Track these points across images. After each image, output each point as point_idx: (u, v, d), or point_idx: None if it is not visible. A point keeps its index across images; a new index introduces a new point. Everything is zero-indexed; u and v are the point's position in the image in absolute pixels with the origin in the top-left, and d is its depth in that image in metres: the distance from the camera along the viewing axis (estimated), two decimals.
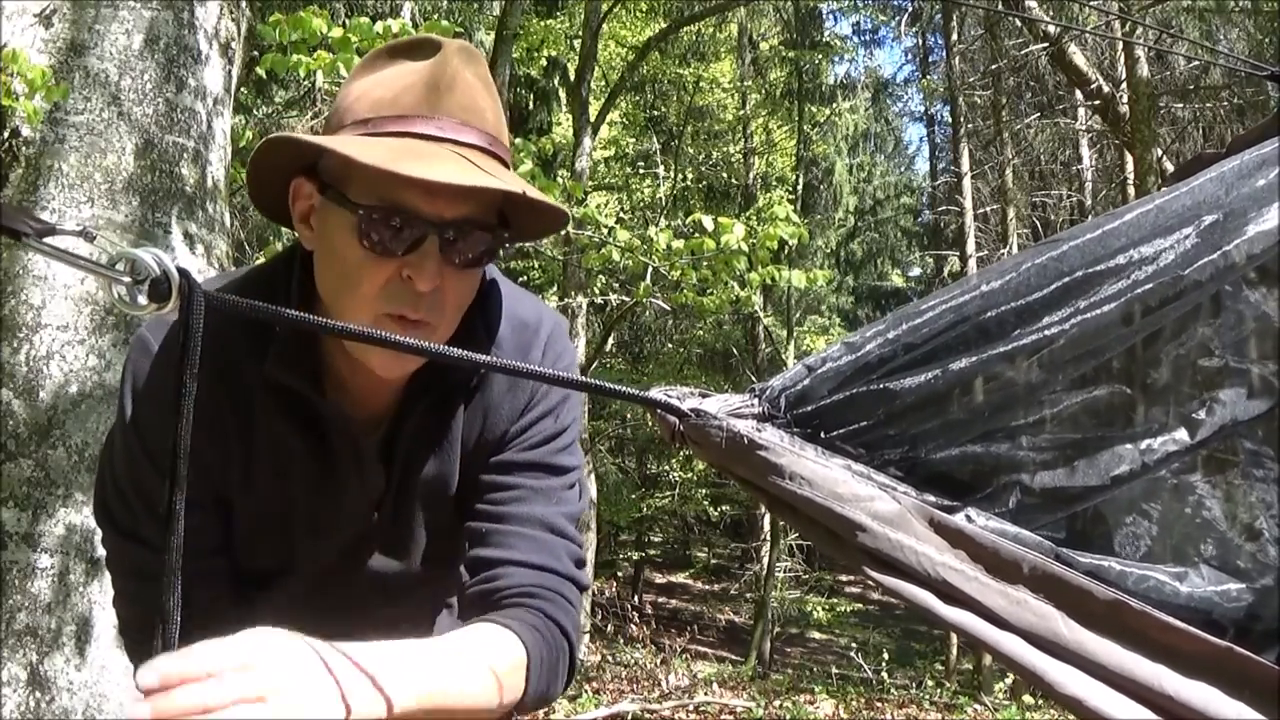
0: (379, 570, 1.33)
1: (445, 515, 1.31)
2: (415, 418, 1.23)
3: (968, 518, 0.89)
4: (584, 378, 0.97)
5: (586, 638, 10.56)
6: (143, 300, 0.79)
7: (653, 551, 20.51)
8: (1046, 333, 0.88)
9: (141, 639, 1.26)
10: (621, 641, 11.41)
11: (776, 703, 7.92)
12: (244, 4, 3.35)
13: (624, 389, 0.90)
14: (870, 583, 0.89)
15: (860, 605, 17.17)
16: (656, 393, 0.88)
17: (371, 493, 1.26)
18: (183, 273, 0.78)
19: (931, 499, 0.89)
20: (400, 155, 1.03)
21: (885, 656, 11.22)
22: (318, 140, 1.08)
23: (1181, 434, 0.92)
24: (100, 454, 1.28)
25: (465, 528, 1.27)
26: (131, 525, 1.21)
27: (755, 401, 0.89)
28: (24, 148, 2.72)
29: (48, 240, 0.78)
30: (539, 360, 1.26)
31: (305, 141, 1.09)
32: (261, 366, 1.16)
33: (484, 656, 1.08)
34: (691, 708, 7.59)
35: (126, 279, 0.78)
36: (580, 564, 1.26)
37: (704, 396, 0.88)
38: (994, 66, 13.43)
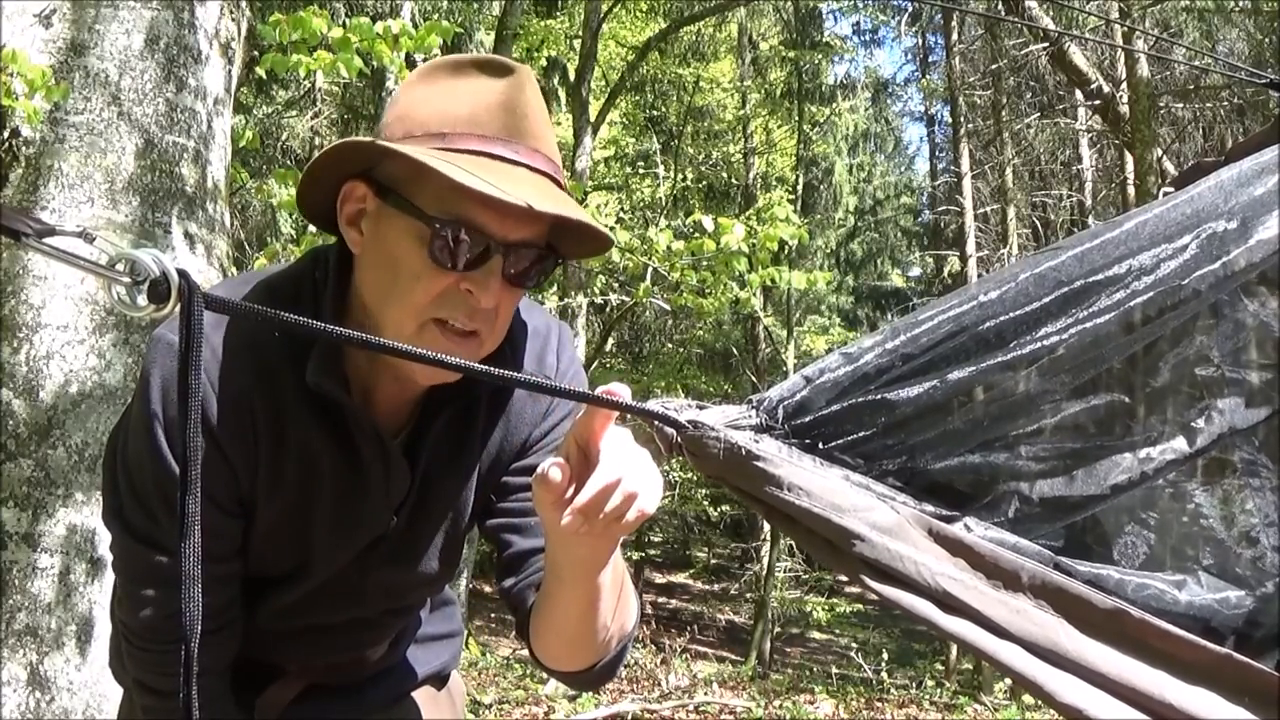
0: (388, 573, 1.34)
1: (458, 521, 1.34)
2: (438, 424, 1.25)
3: (966, 527, 0.89)
4: (582, 390, 0.97)
5: None
6: (142, 301, 0.78)
7: (653, 551, 20.48)
8: (1045, 342, 0.88)
9: (145, 645, 1.27)
10: None
11: (776, 703, 7.91)
12: (244, 4, 3.35)
13: (622, 400, 0.90)
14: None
15: (860, 605, 17.15)
16: (654, 405, 0.88)
17: (394, 496, 1.27)
18: (182, 274, 0.78)
19: (930, 509, 0.88)
20: (487, 175, 1.05)
21: (885, 656, 11.22)
22: (403, 149, 1.08)
23: (1180, 443, 0.92)
24: (106, 458, 1.27)
25: (495, 527, 1.31)
26: (149, 530, 1.21)
27: (753, 412, 0.89)
28: (24, 148, 2.72)
29: (48, 241, 0.78)
30: (553, 364, 1.30)
31: (382, 148, 1.10)
32: (298, 371, 1.17)
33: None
34: (691, 708, 7.59)
35: (126, 279, 0.78)
36: None
37: (701, 408, 0.88)
38: (994, 66, 13.44)
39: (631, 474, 0.91)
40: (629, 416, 0.92)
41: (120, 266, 0.79)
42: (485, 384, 1.25)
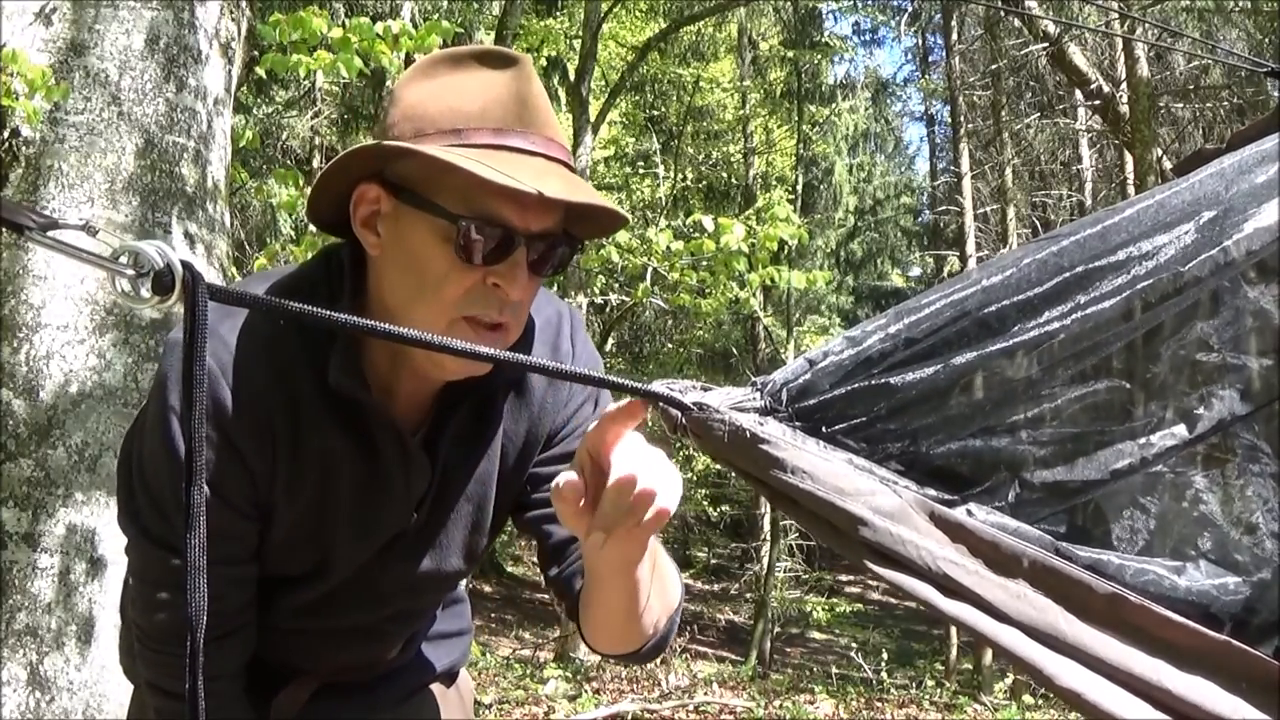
0: (408, 569, 1.34)
1: (480, 515, 1.33)
2: (457, 418, 1.25)
3: (968, 512, 0.89)
4: (588, 372, 0.97)
5: None
6: (146, 293, 0.78)
7: None
8: (1047, 328, 0.88)
9: (159, 647, 1.26)
10: None
11: (776, 703, 7.91)
12: (244, 4, 3.35)
13: (627, 382, 0.91)
14: (871, 580, 0.89)
15: (860, 605, 17.15)
16: (659, 386, 0.89)
17: (416, 492, 1.27)
18: (186, 265, 0.78)
19: (932, 493, 0.89)
20: (508, 169, 1.05)
21: (885, 656, 11.22)
22: (427, 149, 1.07)
23: (1180, 429, 0.92)
24: (121, 462, 1.27)
25: (533, 519, 1.33)
26: (163, 532, 1.20)
27: (757, 395, 0.89)
28: (24, 148, 2.73)
29: (51, 234, 0.78)
30: (568, 351, 1.31)
31: (401, 148, 1.09)
32: (316, 372, 1.17)
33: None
34: (691, 708, 7.59)
35: (130, 271, 0.78)
36: None
37: (706, 390, 0.89)
38: (994, 66, 13.44)
39: (646, 475, 0.90)
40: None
41: (124, 259, 0.79)
42: (502, 376, 1.26)
